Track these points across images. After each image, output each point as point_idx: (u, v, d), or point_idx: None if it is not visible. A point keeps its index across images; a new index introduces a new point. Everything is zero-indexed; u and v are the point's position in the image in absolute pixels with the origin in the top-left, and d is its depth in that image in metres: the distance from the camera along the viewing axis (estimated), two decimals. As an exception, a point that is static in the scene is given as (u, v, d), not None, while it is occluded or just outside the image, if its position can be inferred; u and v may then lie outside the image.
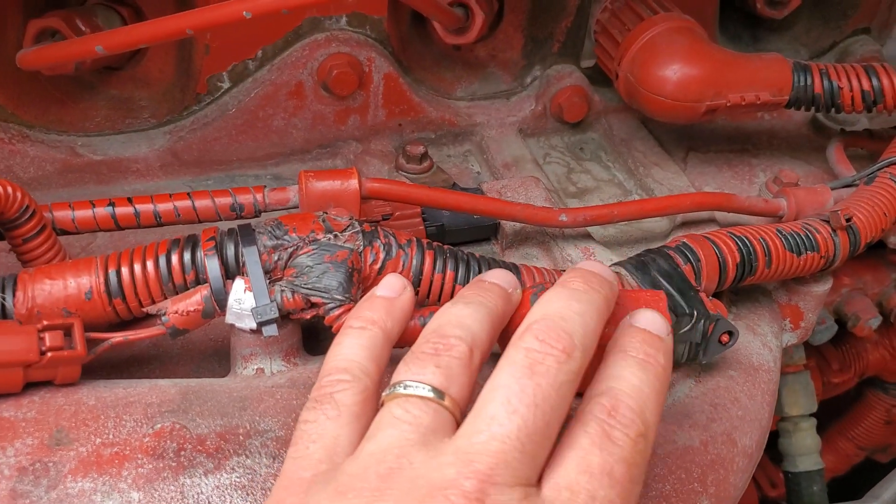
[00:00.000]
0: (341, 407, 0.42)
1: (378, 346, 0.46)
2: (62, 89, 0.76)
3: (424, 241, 0.59)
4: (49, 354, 0.49)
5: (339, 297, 0.53)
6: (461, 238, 0.72)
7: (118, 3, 0.74)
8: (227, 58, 0.76)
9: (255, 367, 0.56)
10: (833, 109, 0.80)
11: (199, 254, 0.55)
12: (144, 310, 0.55)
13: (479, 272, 0.59)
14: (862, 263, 1.04)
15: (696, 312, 0.57)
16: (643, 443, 0.40)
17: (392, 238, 0.57)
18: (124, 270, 0.54)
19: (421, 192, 0.65)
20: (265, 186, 0.62)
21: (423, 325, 0.52)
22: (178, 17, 0.59)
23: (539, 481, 0.39)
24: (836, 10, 0.98)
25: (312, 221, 0.56)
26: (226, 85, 0.77)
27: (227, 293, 0.53)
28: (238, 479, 0.48)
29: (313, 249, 0.54)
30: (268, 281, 0.54)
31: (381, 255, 0.56)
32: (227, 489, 0.47)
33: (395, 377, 0.42)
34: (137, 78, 0.78)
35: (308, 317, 0.54)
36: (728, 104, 0.76)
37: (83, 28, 0.70)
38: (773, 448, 1.04)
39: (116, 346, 0.54)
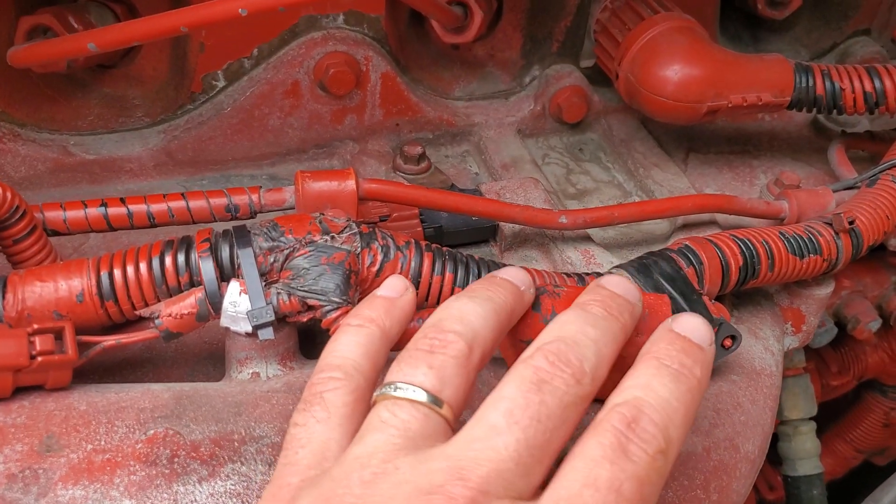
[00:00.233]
0: (331, 408, 0.41)
1: (375, 344, 0.45)
2: (54, 87, 0.75)
3: (423, 242, 0.58)
4: (39, 358, 0.48)
5: (337, 300, 0.52)
6: (459, 240, 0.71)
7: (111, 0, 0.73)
8: (223, 56, 0.75)
9: (251, 371, 0.55)
10: (835, 111, 0.79)
11: (194, 255, 0.53)
12: (137, 313, 0.54)
13: (479, 275, 0.58)
14: (862, 266, 1.03)
15: (698, 316, 0.56)
16: (662, 461, 0.37)
17: (390, 240, 0.56)
18: (117, 272, 0.53)
19: (419, 193, 0.64)
20: (261, 187, 0.61)
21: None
22: (172, 14, 0.58)
23: (539, 493, 0.37)
24: (836, 10, 0.97)
25: (309, 223, 0.55)
26: (221, 83, 0.76)
27: (221, 296, 0.52)
28: (233, 487, 0.46)
29: (310, 251, 0.53)
30: (263, 283, 0.53)
31: (379, 257, 0.55)
32: (221, 497, 0.46)
33: (388, 376, 0.41)
34: (131, 76, 0.77)
35: (305, 320, 0.53)
36: (729, 105, 0.75)
37: (75, 25, 0.69)
38: (772, 451, 1.03)
39: (109, 350, 0.53)
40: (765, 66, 0.77)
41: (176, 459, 0.47)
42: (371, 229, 0.56)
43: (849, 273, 1.02)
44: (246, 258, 0.53)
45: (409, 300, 0.49)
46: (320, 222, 0.55)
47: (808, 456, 0.96)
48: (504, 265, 0.59)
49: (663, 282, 0.59)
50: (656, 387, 0.40)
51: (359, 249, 0.55)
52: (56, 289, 0.52)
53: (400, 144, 0.80)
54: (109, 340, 0.52)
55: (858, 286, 1.02)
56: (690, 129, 0.89)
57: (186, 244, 0.54)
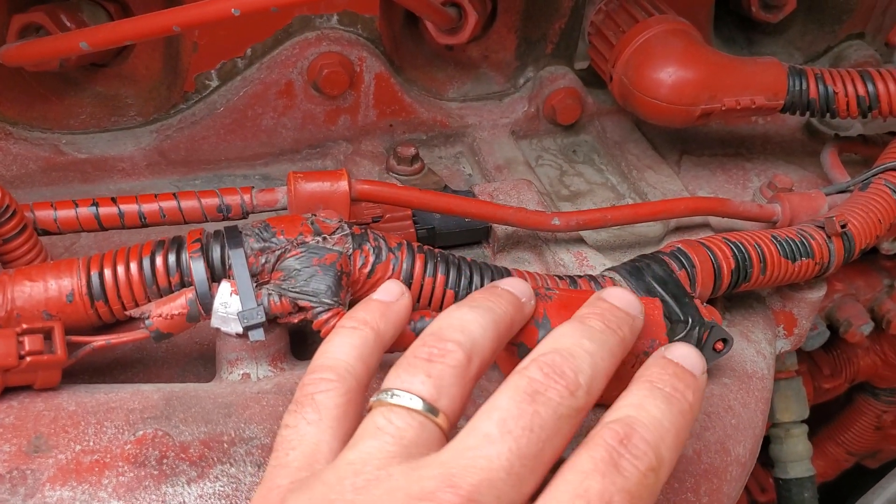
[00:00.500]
0: (322, 410, 0.41)
1: (369, 347, 0.45)
2: (46, 86, 0.74)
3: (415, 244, 0.58)
4: (28, 358, 0.48)
5: (328, 301, 0.52)
6: (452, 241, 0.71)
7: (104, -1, 0.73)
8: (216, 55, 0.75)
9: (241, 372, 0.54)
10: (828, 114, 0.79)
11: (185, 256, 0.53)
12: (127, 313, 0.53)
13: (471, 277, 0.58)
14: (854, 269, 1.04)
15: (690, 319, 0.57)
16: (653, 478, 0.38)
17: (382, 241, 0.56)
18: (107, 272, 0.53)
19: (411, 194, 0.64)
20: (253, 187, 0.61)
21: (415, 330, 0.51)
22: (164, 13, 0.58)
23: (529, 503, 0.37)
24: (830, 14, 0.97)
25: (301, 224, 0.55)
26: (214, 83, 0.76)
27: (212, 296, 0.52)
28: (222, 489, 0.46)
29: (301, 252, 0.53)
30: (254, 284, 0.53)
31: (371, 259, 0.55)
32: (210, 498, 0.46)
33: (386, 382, 0.41)
34: (124, 75, 0.77)
35: (296, 321, 0.53)
36: (723, 108, 0.75)
37: (68, 24, 0.69)
38: (764, 453, 1.03)
39: (98, 350, 0.53)
40: (759, 69, 0.77)
41: (165, 460, 0.47)
42: (363, 230, 0.56)
43: (841, 276, 1.02)
44: (237, 259, 0.53)
45: (405, 305, 0.49)
46: (312, 223, 0.55)
47: (799, 458, 0.96)
48: (496, 266, 0.59)
49: (655, 285, 0.59)
50: (649, 407, 0.40)
51: (350, 251, 0.54)
52: (46, 288, 0.52)
53: (393, 145, 0.80)
54: (99, 341, 0.52)
55: (851, 289, 1.02)
56: (684, 132, 0.89)
57: (177, 244, 0.54)
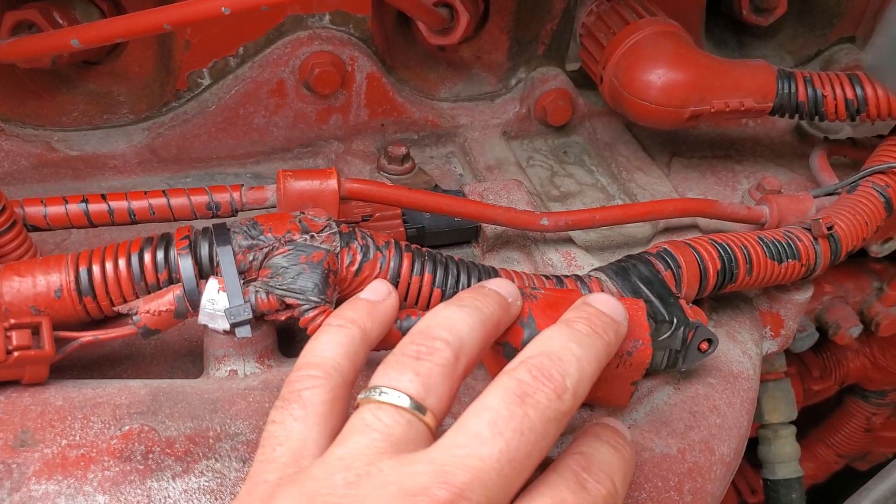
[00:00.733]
0: (308, 406, 0.41)
1: (355, 345, 0.45)
2: (39, 83, 0.75)
3: (403, 243, 0.58)
4: (16, 353, 0.48)
5: (315, 299, 0.52)
6: (442, 240, 0.72)
7: (97, -4, 0.73)
8: (208, 54, 0.75)
9: (229, 368, 0.55)
10: (817, 117, 0.79)
11: (173, 253, 0.54)
12: (115, 309, 0.54)
13: (458, 275, 0.58)
14: (844, 272, 1.04)
15: (675, 319, 0.57)
16: (612, 502, 0.41)
17: (370, 240, 0.56)
18: (95, 268, 0.53)
19: (400, 193, 0.65)
20: (242, 185, 0.61)
21: (401, 329, 0.52)
22: (155, 11, 0.58)
23: None
24: (821, 18, 0.98)
25: (289, 221, 0.55)
26: (206, 81, 0.76)
27: (200, 293, 0.53)
28: (206, 483, 0.47)
29: (289, 250, 0.54)
30: (242, 281, 0.53)
31: (359, 257, 0.55)
32: (194, 493, 0.46)
33: (374, 380, 0.41)
34: (116, 72, 0.77)
35: (282, 318, 0.53)
36: (712, 110, 0.76)
37: (60, 21, 0.69)
38: (754, 454, 1.04)
39: (86, 346, 0.53)
40: (748, 71, 0.78)
41: (150, 455, 0.47)
42: (351, 229, 0.57)
43: (830, 279, 1.03)
44: (225, 256, 0.53)
45: (392, 304, 0.50)
46: (300, 221, 0.55)
47: (787, 460, 0.96)
48: (483, 266, 0.60)
49: (641, 285, 0.59)
50: (602, 449, 0.44)
51: (338, 249, 0.55)
52: (34, 284, 0.52)
53: (385, 144, 0.80)
54: (87, 336, 0.52)
55: (840, 292, 1.03)
56: (674, 134, 0.89)
57: (166, 241, 0.54)
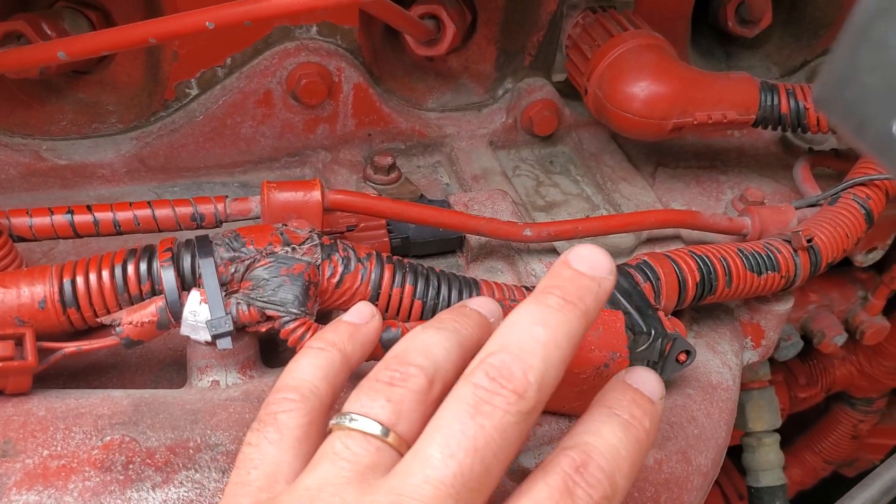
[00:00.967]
0: (283, 430, 0.42)
1: (335, 368, 0.45)
2: (28, 92, 0.75)
3: (384, 255, 0.59)
4: (-2, 364, 0.49)
5: (295, 311, 0.53)
6: (426, 250, 0.72)
7: (86, 7, 0.74)
8: (196, 64, 0.76)
9: (211, 379, 0.55)
10: (799, 129, 0.80)
11: (156, 264, 0.54)
12: (99, 320, 0.54)
13: (439, 287, 0.59)
14: (829, 281, 1.05)
15: (653, 331, 0.58)
16: None
17: (351, 251, 0.57)
18: (79, 280, 0.54)
19: (384, 204, 0.65)
20: (227, 196, 0.62)
21: (381, 342, 0.52)
22: (140, 25, 0.59)
23: None
24: (807, 29, 0.99)
25: (270, 234, 0.56)
26: (194, 91, 0.77)
27: (182, 305, 0.53)
28: (186, 494, 0.47)
29: (270, 262, 0.54)
30: (224, 293, 0.54)
31: (340, 269, 0.56)
32: (174, 503, 0.47)
33: (346, 406, 0.41)
34: (105, 82, 0.78)
35: (263, 330, 0.54)
36: (695, 122, 0.77)
37: (49, 32, 0.70)
38: (741, 460, 1.04)
39: (70, 356, 0.53)
40: (731, 84, 0.79)
41: (131, 466, 0.48)
42: (332, 241, 0.57)
43: (816, 287, 1.04)
44: (207, 268, 0.54)
45: (374, 327, 0.50)
46: (281, 233, 0.56)
47: (771, 467, 0.97)
48: (465, 278, 0.61)
49: (619, 296, 0.60)
50: (606, 434, 0.40)
51: (319, 261, 0.56)
52: (18, 295, 0.53)
53: (372, 154, 0.81)
54: (70, 347, 0.53)
55: (825, 301, 1.04)
56: (660, 144, 0.90)
57: (149, 253, 0.55)
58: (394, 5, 0.72)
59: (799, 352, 0.98)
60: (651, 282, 0.62)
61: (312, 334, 0.53)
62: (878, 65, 0.21)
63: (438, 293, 0.59)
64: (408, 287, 0.58)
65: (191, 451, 0.49)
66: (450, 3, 0.81)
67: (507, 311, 0.51)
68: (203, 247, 0.55)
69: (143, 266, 0.54)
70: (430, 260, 0.72)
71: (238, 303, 0.53)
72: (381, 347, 0.52)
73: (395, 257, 0.59)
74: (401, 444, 0.39)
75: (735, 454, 1.05)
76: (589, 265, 0.42)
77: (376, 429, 0.39)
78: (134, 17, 0.75)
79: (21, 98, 0.75)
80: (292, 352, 0.50)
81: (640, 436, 0.41)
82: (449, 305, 0.58)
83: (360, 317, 0.49)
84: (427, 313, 0.58)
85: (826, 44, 1.00)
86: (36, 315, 0.53)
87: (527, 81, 0.89)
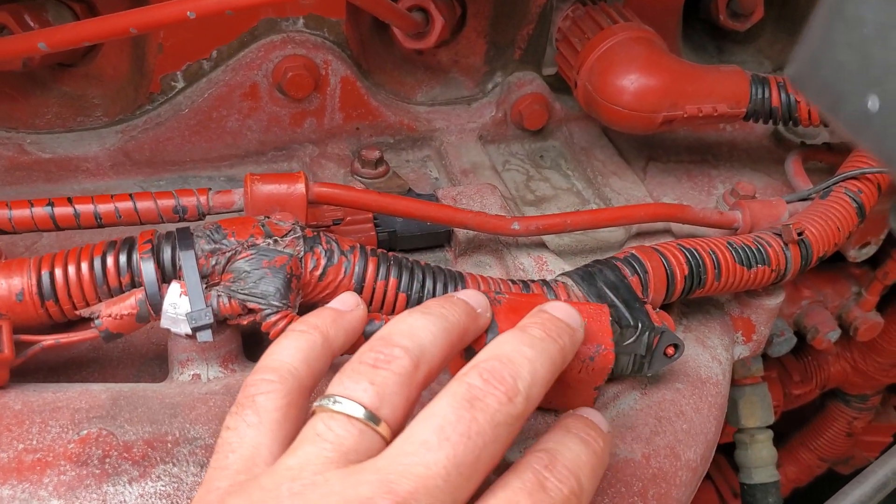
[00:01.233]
0: (262, 413, 0.41)
1: (316, 351, 0.45)
2: (12, 85, 0.75)
3: (368, 247, 0.58)
4: (-27, 357, 0.48)
5: (276, 304, 0.52)
6: (414, 244, 0.72)
7: (70, -1, 0.73)
8: (181, 57, 0.75)
9: (192, 372, 0.55)
10: (791, 122, 0.80)
11: (135, 256, 0.54)
12: (78, 313, 0.54)
13: (424, 280, 0.58)
14: (822, 276, 1.05)
15: (640, 324, 0.57)
16: (575, 501, 0.40)
17: (334, 244, 0.56)
18: (58, 272, 0.53)
19: (370, 197, 0.65)
20: (210, 189, 0.61)
21: (365, 334, 0.51)
22: (121, 15, 0.58)
23: None
24: (800, 23, 0.98)
25: (252, 226, 0.55)
26: (180, 84, 0.76)
27: (162, 297, 0.52)
28: (163, 488, 0.47)
29: (252, 254, 0.54)
30: (204, 286, 0.53)
31: (323, 262, 0.55)
32: (151, 497, 0.46)
33: (330, 388, 0.41)
34: (91, 75, 0.77)
35: (245, 323, 0.53)
36: (685, 115, 0.76)
37: (32, 23, 0.69)
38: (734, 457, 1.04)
39: (48, 350, 0.53)
40: (721, 77, 0.78)
41: (107, 460, 0.47)
42: (315, 233, 0.57)
43: (809, 283, 1.03)
44: (187, 260, 0.53)
45: (359, 316, 0.49)
46: (263, 225, 0.55)
47: (764, 464, 0.96)
48: (450, 271, 0.60)
49: (606, 290, 0.59)
50: (568, 444, 0.43)
51: (301, 253, 0.55)
52: (-5, 287, 0.52)
53: (360, 148, 0.80)
54: (48, 340, 0.52)
55: (819, 296, 1.03)
56: (651, 138, 0.89)
57: (129, 245, 0.54)
58: (380, -3, 0.72)
59: (793, 348, 0.97)
60: (639, 275, 0.61)
61: (295, 327, 0.52)
62: (852, 41, 0.20)
63: (423, 286, 0.58)
64: (392, 280, 0.57)
65: (169, 444, 0.48)
66: (438, -4, 0.80)
67: (492, 303, 0.51)
68: (184, 238, 0.54)
69: (123, 258, 0.54)
70: (417, 254, 0.72)
71: (219, 295, 0.52)
72: (364, 340, 0.51)
73: (379, 250, 0.58)
74: (384, 428, 0.39)
75: (728, 451, 1.04)
76: (564, 314, 0.47)
77: (360, 412, 0.39)
78: (119, 9, 0.74)
79: (5, 91, 0.75)
80: (275, 346, 0.49)
81: (596, 449, 0.44)
82: (434, 298, 0.58)
83: (345, 305, 0.49)
84: (412, 306, 0.58)
85: (819, 38, 0.99)
86: (13, 307, 0.52)
87: (517, 75, 0.88)
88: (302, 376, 0.43)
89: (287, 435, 0.41)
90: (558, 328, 0.45)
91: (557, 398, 0.55)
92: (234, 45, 0.76)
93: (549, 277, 0.65)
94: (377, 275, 0.57)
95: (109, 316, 0.52)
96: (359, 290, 0.57)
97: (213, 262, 0.53)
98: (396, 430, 0.40)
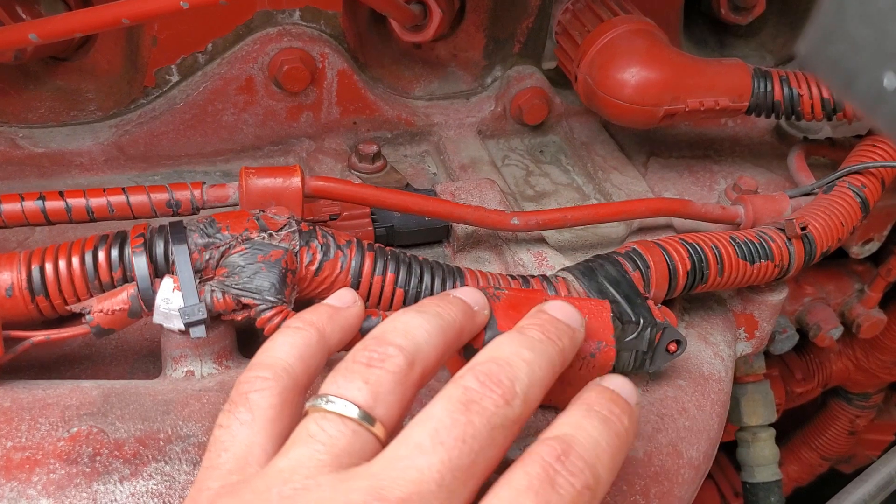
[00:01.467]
0: (255, 411, 0.40)
1: (311, 348, 0.44)
2: (4, 79, 0.73)
3: (365, 242, 0.57)
4: (-39, 353, 0.47)
5: (271, 299, 0.51)
6: (412, 240, 0.71)
7: (63, -9, 0.72)
8: (176, 50, 0.74)
9: (185, 369, 0.54)
10: (794, 117, 0.79)
11: (127, 251, 0.53)
12: (69, 308, 0.53)
13: (421, 275, 0.57)
14: (825, 273, 1.04)
15: (642, 320, 0.56)
16: (588, 496, 0.37)
17: (330, 238, 0.55)
18: (48, 266, 0.52)
19: (367, 191, 0.64)
20: (204, 183, 0.60)
21: (361, 331, 0.51)
22: (113, 6, 0.57)
23: None
24: (802, 17, 0.97)
25: (247, 220, 0.54)
26: (174, 78, 0.75)
27: (154, 292, 0.52)
28: (155, 487, 0.46)
29: (246, 249, 0.53)
30: (198, 280, 0.52)
31: (319, 256, 0.54)
32: (142, 496, 0.45)
33: (323, 387, 0.40)
34: (84, 69, 0.76)
35: (239, 318, 0.52)
36: (686, 109, 0.75)
37: (24, 16, 0.68)
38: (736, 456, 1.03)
39: (39, 346, 0.52)
40: (723, 70, 0.77)
41: (98, 458, 0.46)
42: (311, 228, 0.56)
43: (811, 280, 1.02)
44: (180, 255, 0.52)
45: (355, 312, 0.48)
46: (258, 219, 0.54)
47: (766, 463, 0.95)
48: (448, 266, 0.59)
49: (608, 285, 0.58)
50: (587, 427, 0.40)
51: (297, 248, 0.54)
52: (-16, 283, 0.51)
53: (357, 143, 0.79)
54: (38, 336, 0.51)
55: (821, 293, 1.02)
56: (653, 133, 0.88)
57: (121, 239, 0.53)
58: (378, -12, 0.71)
59: (795, 345, 0.96)
60: (640, 270, 0.61)
61: (290, 323, 0.51)
62: (867, 15, 0.19)
63: (421, 281, 0.57)
64: (389, 275, 0.56)
65: (161, 442, 0.47)
66: (437, -12, 0.79)
67: (491, 299, 0.50)
68: (177, 233, 0.53)
69: (115, 252, 0.53)
70: (416, 250, 0.71)
71: (213, 290, 0.51)
72: (360, 337, 0.50)
73: (376, 245, 0.57)
74: (379, 428, 0.39)
75: (730, 450, 1.04)
76: (564, 314, 0.46)
77: (353, 411, 0.38)
78: (111, 0, 0.73)
79: (-2, 85, 0.74)
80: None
81: (619, 431, 0.41)
82: (432, 294, 0.57)
83: (342, 301, 0.48)
84: (409, 302, 0.57)
85: (821, 32, 0.98)
86: (3, 303, 0.51)
87: (516, 69, 0.87)
88: (297, 373, 0.43)
89: (281, 433, 0.40)
90: (558, 329, 0.44)
91: (557, 396, 0.54)
92: (229, 38, 0.75)
93: (545, 273, 0.65)
94: (374, 270, 0.56)
95: (101, 311, 0.51)
96: (355, 286, 0.56)
97: (207, 257, 0.52)
98: (392, 431, 0.39)
